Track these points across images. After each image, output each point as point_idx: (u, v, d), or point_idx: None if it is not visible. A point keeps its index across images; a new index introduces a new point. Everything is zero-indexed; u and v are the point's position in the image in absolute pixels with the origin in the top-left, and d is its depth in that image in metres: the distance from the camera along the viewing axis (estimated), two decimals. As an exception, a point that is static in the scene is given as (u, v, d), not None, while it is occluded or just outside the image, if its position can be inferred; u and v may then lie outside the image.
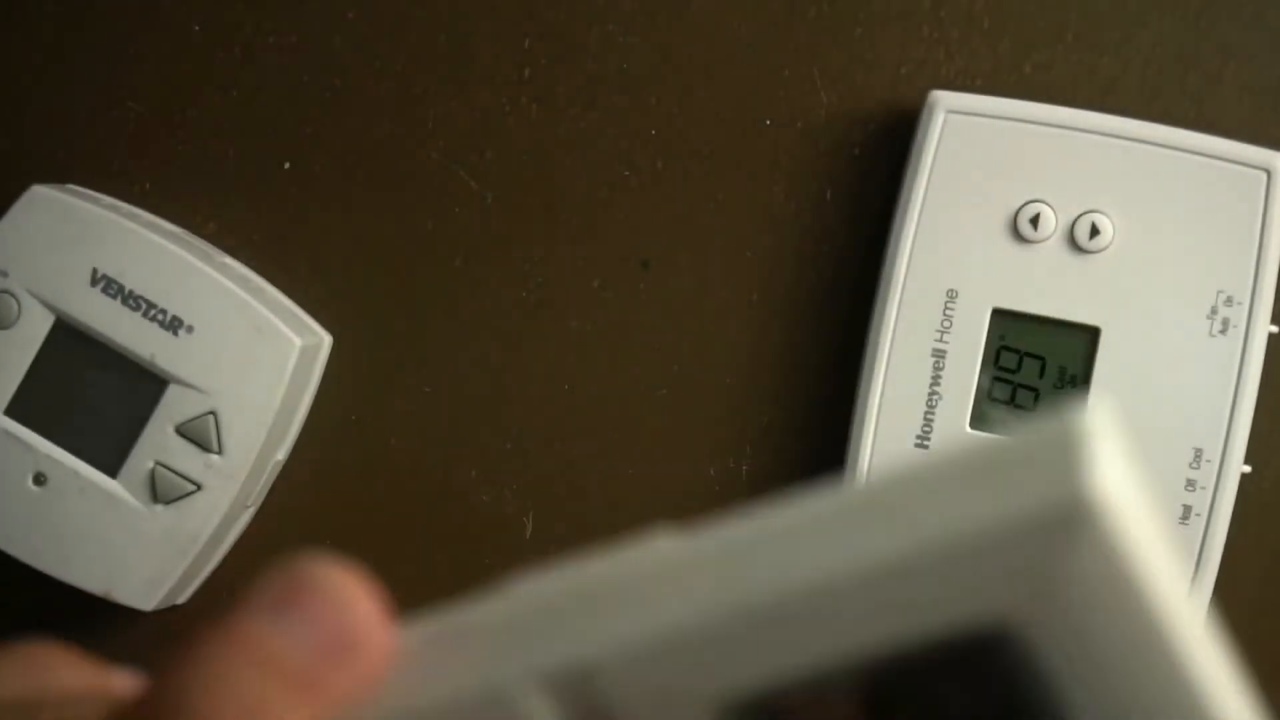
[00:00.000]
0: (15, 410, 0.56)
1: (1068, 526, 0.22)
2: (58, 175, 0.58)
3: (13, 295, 0.55)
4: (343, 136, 0.58)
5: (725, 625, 0.23)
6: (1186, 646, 0.22)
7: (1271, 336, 0.53)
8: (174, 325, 0.55)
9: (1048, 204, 0.54)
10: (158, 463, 0.55)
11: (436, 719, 0.24)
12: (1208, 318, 0.53)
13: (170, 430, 0.55)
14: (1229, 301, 0.53)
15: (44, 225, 0.56)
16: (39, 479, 0.55)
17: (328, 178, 0.58)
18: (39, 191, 0.56)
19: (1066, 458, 0.22)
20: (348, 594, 0.23)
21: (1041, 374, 0.54)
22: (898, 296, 0.54)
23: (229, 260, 0.58)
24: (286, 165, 0.59)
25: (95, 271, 0.55)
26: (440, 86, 0.58)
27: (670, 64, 0.57)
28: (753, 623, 0.23)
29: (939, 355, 0.53)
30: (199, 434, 0.55)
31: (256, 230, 0.59)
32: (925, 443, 0.53)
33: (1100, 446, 0.22)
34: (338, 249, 0.58)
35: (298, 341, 0.56)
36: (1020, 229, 0.54)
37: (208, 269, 0.56)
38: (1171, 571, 0.22)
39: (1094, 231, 0.53)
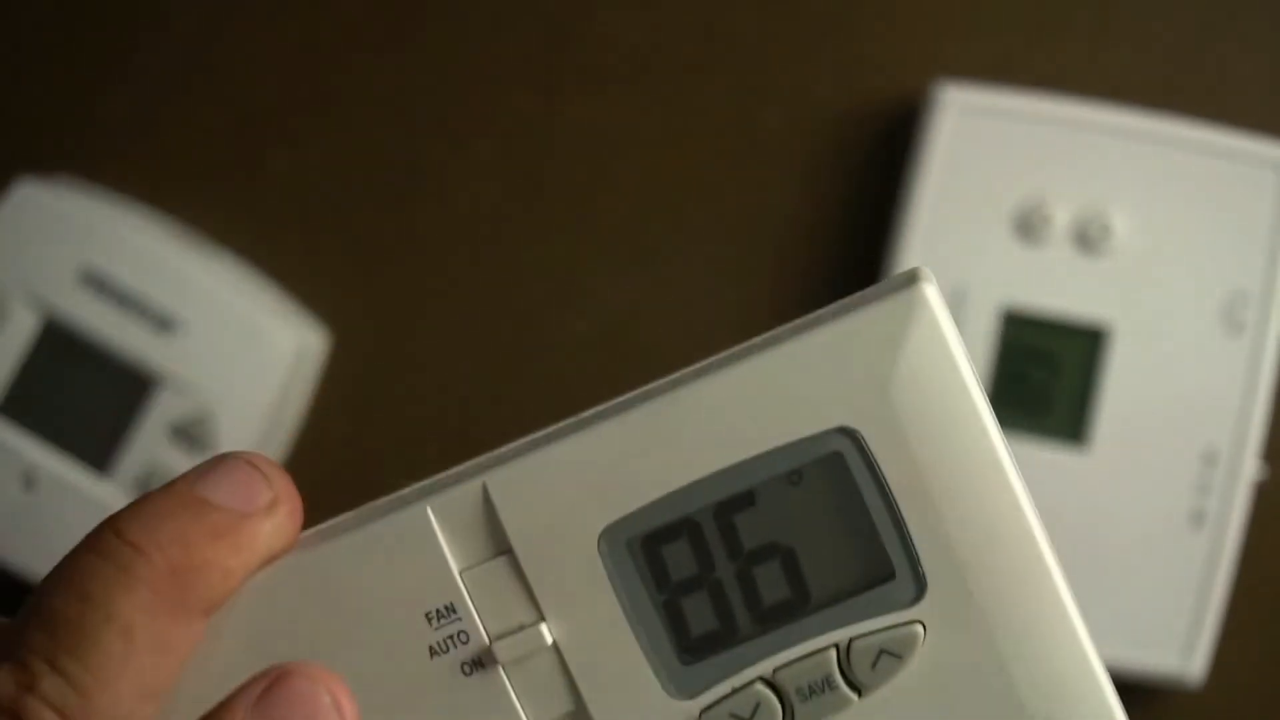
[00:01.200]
0: (4, 411, 0.55)
1: (908, 311, 0.27)
2: (47, 168, 0.57)
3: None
4: (341, 133, 0.58)
5: (596, 450, 0.28)
6: (992, 424, 0.28)
7: (1285, 335, 0.52)
8: (167, 322, 0.54)
9: (1057, 201, 0.53)
10: (150, 463, 0.54)
11: (358, 544, 0.29)
12: (1221, 317, 0.52)
13: (163, 430, 0.54)
14: (1242, 300, 0.52)
15: (32, 220, 0.55)
16: (28, 480, 0.54)
17: (325, 175, 0.58)
18: (27, 185, 0.55)
19: (904, 284, 0.28)
20: (270, 465, 0.30)
21: (1051, 374, 0.53)
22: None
23: (225, 256, 0.57)
24: (283, 162, 0.58)
25: (85, 268, 0.54)
26: (440, 85, 0.57)
27: (670, 62, 0.57)
28: (625, 450, 0.28)
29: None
30: (193, 433, 0.54)
31: (253, 226, 0.58)
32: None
33: (928, 284, 0.28)
34: (336, 246, 0.58)
35: (294, 339, 0.55)
36: (1028, 227, 0.53)
37: (202, 265, 0.55)
38: (973, 370, 0.28)
39: (1104, 229, 0.53)
